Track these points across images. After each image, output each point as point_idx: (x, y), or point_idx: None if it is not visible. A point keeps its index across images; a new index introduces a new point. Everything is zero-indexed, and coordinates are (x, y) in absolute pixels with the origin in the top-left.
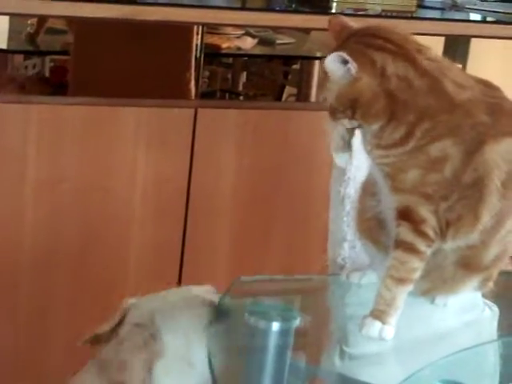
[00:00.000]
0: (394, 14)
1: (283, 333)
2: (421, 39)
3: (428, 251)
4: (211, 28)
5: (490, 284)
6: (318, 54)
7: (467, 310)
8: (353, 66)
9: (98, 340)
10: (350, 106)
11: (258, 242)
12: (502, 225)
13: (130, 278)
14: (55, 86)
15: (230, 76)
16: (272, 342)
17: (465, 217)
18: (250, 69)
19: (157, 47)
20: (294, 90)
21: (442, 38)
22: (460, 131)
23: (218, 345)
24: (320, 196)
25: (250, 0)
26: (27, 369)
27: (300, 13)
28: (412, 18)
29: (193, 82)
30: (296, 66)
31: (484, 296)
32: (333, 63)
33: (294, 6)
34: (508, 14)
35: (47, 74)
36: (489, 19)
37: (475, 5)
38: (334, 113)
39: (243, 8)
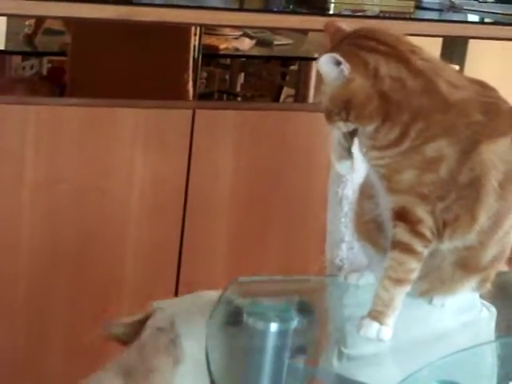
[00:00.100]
0: (392, 15)
1: (281, 333)
2: (419, 40)
3: (425, 252)
4: (209, 29)
5: (488, 285)
6: (316, 55)
7: (465, 310)
8: (345, 67)
9: (119, 336)
10: (344, 108)
11: (255, 242)
12: (499, 225)
13: (128, 279)
14: (53, 86)
15: (227, 77)
16: (270, 343)
17: (462, 217)
18: (248, 70)
19: (155, 48)
20: (292, 91)
21: (440, 39)
22: (455, 131)
23: (217, 345)
24: (318, 197)
25: (247, 1)
26: (26, 370)
27: (298, 14)
28: (410, 19)
29: (191, 83)
30: (294, 67)
31: (482, 297)
32: (325, 64)
33: (291, 6)
34: (506, 15)
35: (45, 74)
36: (486, 20)
37: (473, 6)
38: (330, 115)
39: (241, 9)
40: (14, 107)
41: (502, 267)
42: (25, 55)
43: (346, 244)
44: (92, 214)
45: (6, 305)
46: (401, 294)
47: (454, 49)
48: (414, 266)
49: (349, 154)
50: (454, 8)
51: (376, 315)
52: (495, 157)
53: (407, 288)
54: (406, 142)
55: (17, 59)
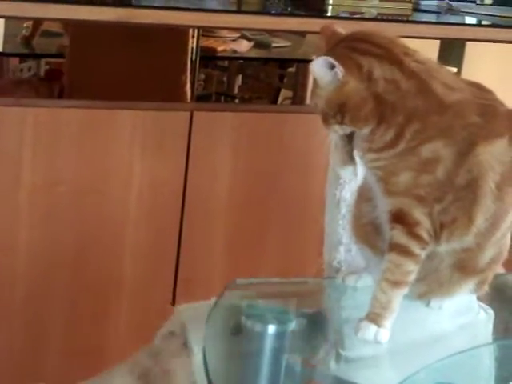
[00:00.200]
0: (390, 18)
1: (279, 335)
2: (416, 42)
3: (422, 254)
4: (207, 31)
5: (486, 287)
6: (314, 58)
7: (462, 312)
8: (339, 70)
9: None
10: (339, 111)
11: (253, 244)
12: (497, 227)
13: (127, 281)
14: (51, 88)
15: (225, 79)
16: (268, 345)
17: (459, 219)
18: (246, 72)
19: (152, 50)
20: (290, 93)
21: (438, 42)
22: (451, 132)
23: (214, 347)
24: (315, 199)
25: (245, 3)
26: (24, 372)
27: (296, 16)
28: (407, 21)
29: (188, 85)
30: (291, 69)
31: (479, 299)
32: (319, 67)
33: (289, 9)
34: (503, 17)
35: (43, 76)
36: (484, 23)
37: (471, 8)
38: (326, 118)
39: (239, 11)
40: (11, 109)
41: (500, 269)
42: (23, 57)
43: (343, 246)
44: (90, 216)
45: (4, 307)
46: (398, 296)
47: (452, 51)
48: (412, 268)
49: (351, 159)
50: (451, 10)
51: (374, 317)
52: (492, 158)
53: (405, 290)
54: (401, 144)
55: (15, 61)
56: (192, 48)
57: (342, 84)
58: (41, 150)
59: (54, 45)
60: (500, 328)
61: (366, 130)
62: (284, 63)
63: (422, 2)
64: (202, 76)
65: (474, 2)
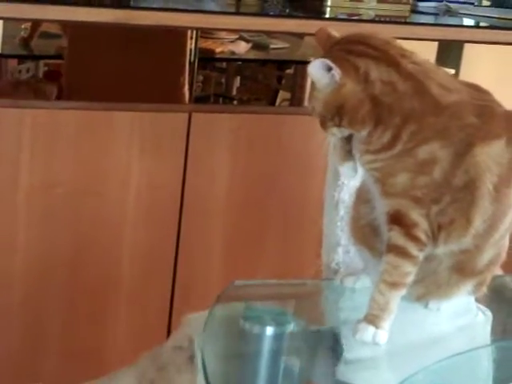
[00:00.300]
0: (388, 19)
1: (277, 337)
2: (414, 44)
3: (420, 255)
4: (205, 32)
5: (484, 288)
6: (312, 59)
7: (460, 314)
8: (336, 73)
9: None
10: (337, 113)
11: (251, 246)
12: (495, 229)
13: (125, 282)
14: (49, 90)
15: (223, 80)
16: (266, 347)
17: (457, 220)
18: (244, 73)
19: (151, 51)
20: (288, 95)
21: (436, 43)
22: (448, 133)
23: (212, 349)
24: (314, 200)
25: (243, 4)
26: (22, 373)
27: (294, 17)
28: (405, 22)
29: (187, 87)
30: (290, 71)
31: (477, 300)
32: (316, 70)
33: (288, 10)
34: (501, 19)
35: (41, 78)
36: (482, 24)
37: (469, 10)
38: (323, 121)
39: (237, 12)
40: (10, 110)
41: (498, 271)
42: (21, 58)
43: (342, 248)
44: (88, 217)
45: (2, 308)
46: (396, 298)
47: (450, 53)
48: (409, 270)
49: (350, 155)
50: (449, 12)
51: (372, 319)
52: (489, 159)
53: (402, 291)
54: (398, 145)
55: (13, 62)
56: (190, 49)
57: (339, 86)
58: (39, 151)
59: (53, 46)
60: (498, 330)
61: (363, 133)
62: (282, 65)
63: (420, 4)
64: (201, 77)
65: (472, 3)
